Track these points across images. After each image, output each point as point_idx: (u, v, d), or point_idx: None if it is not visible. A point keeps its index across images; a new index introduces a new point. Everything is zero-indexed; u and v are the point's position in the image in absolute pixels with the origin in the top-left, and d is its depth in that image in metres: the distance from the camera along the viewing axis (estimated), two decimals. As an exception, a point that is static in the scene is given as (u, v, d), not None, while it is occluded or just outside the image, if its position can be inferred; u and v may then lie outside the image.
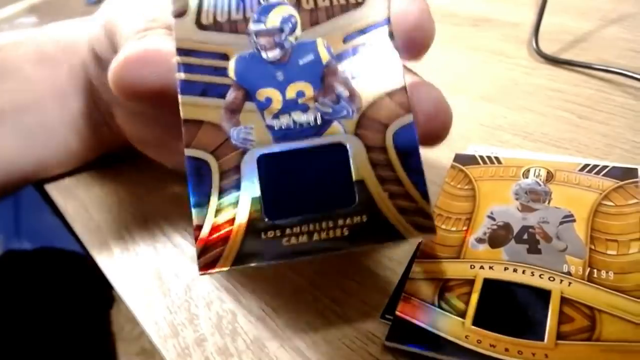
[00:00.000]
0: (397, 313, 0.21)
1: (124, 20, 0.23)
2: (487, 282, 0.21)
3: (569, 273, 0.21)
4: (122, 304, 0.28)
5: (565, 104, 0.31)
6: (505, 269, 0.21)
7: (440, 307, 0.21)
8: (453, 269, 0.22)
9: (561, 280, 0.20)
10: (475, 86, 0.35)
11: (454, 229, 0.24)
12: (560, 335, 0.19)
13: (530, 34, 0.39)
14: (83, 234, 0.34)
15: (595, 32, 0.37)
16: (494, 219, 0.24)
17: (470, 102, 0.33)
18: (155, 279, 0.28)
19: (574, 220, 0.23)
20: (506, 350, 0.18)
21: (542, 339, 0.19)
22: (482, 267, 0.22)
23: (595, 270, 0.20)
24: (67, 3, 0.86)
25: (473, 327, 0.20)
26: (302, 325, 0.23)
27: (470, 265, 0.22)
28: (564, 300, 0.20)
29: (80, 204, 0.37)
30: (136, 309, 0.27)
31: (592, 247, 0.21)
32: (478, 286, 0.21)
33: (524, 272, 0.21)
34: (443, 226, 0.24)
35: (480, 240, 0.23)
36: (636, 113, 0.29)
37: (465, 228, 0.24)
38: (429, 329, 0.20)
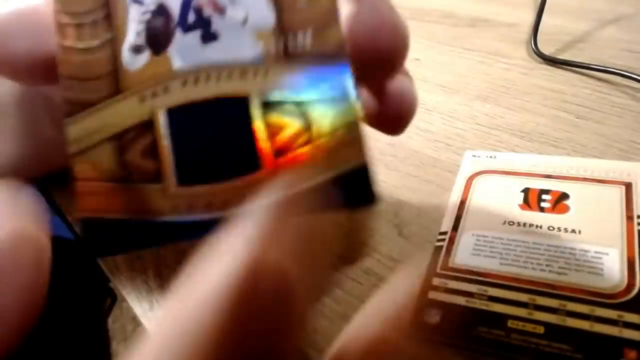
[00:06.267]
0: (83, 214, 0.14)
1: None
2: (171, 115, 0.14)
3: (261, 58, 0.14)
4: (124, 303, 0.28)
5: (563, 104, 0.32)
6: (184, 83, 0.14)
7: (128, 180, 0.14)
8: (117, 116, 0.14)
9: (255, 74, 0.14)
10: (472, 86, 0.35)
11: (93, 43, 0.14)
12: (277, 152, 0.13)
13: (527, 34, 0.39)
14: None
15: (593, 33, 0.38)
16: (140, 2, 0.14)
17: (468, 102, 0.34)
18: (157, 279, 0.28)
19: None
20: (225, 202, 0.13)
21: (258, 167, 0.13)
22: (155, 95, 0.14)
23: (290, 38, 0.14)
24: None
25: (180, 188, 0.14)
26: (302, 324, 0.23)
27: (140, 98, 0.14)
28: (267, 104, 0.14)
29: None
30: (138, 309, 0.27)
31: None
32: (161, 127, 0.14)
33: (208, 78, 0.14)
34: (69, 43, 0.14)
35: (137, 49, 0.14)
36: (633, 113, 0.29)
37: (108, 36, 0.14)
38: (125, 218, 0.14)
